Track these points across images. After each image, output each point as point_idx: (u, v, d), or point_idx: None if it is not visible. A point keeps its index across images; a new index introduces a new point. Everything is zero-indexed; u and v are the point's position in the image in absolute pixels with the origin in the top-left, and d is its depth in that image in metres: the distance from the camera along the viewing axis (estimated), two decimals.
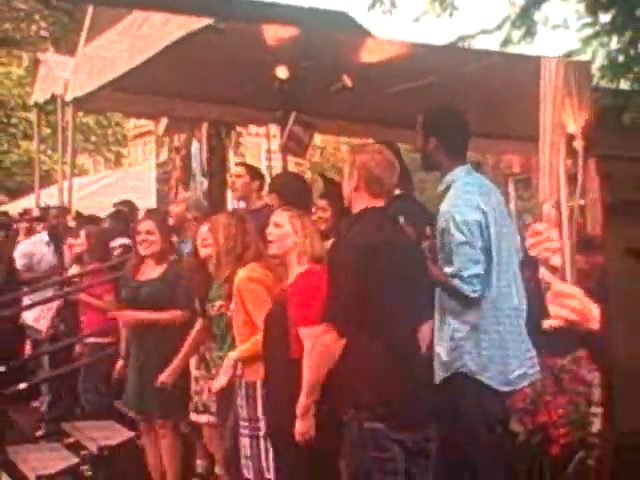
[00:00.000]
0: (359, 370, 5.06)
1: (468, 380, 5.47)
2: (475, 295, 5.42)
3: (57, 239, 11.45)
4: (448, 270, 5.45)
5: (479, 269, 5.42)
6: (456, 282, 5.42)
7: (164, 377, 7.49)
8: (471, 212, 5.49)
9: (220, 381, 6.66)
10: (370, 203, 5.24)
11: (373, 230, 5.22)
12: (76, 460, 8.81)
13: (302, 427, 5.47)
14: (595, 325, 3.14)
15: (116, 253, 10.41)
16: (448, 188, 5.65)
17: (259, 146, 17.19)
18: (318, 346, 5.46)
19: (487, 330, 5.47)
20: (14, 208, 19.32)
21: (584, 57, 8.91)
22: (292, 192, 7.39)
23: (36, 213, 14.53)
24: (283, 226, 6.04)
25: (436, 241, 5.63)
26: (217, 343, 7.03)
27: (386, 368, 5.06)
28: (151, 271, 8.06)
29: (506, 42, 9.28)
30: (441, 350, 5.51)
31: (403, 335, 5.19)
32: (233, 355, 6.51)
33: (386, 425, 4.97)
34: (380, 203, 5.27)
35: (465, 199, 5.55)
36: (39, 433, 10.38)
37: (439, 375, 5.51)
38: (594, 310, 3.16)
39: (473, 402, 5.49)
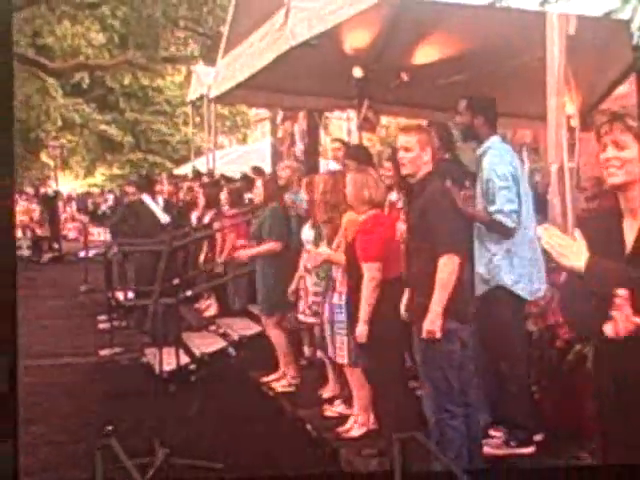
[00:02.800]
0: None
1: (504, 291, 5.52)
2: (513, 225, 5.48)
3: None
4: (492, 208, 5.50)
5: (515, 206, 5.47)
6: (499, 217, 5.48)
7: (290, 291, 7.65)
8: (507, 166, 5.55)
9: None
10: (426, 168, 5.25)
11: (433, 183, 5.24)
12: (225, 344, 9.13)
13: (362, 329, 5.66)
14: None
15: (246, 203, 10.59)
16: (485, 152, 5.69)
17: (341, 127, 17.12)
18: (376, 277, 5.62)
19: (517, 253, 5.51)
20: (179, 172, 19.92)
21: (623, 16, 8.57)
22: (362, 158, 7.48)
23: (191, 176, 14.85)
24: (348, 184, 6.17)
25: (476, 190, 5.66)
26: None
27: (458, 280, 5.06)
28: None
29: (544, 2, 8.54)
30: (482, 270, 5.55)
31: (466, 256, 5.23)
32: (325, 249, 6.65)
33: (454, 321, 5.00)
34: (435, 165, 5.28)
35: (502, 157, 5.61)
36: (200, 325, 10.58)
37: (481, 288, 5.55)
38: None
39: (507, 307, 5.55)
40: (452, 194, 5.21)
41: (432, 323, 4.96)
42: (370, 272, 5.79)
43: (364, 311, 5.78)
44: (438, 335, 4.96)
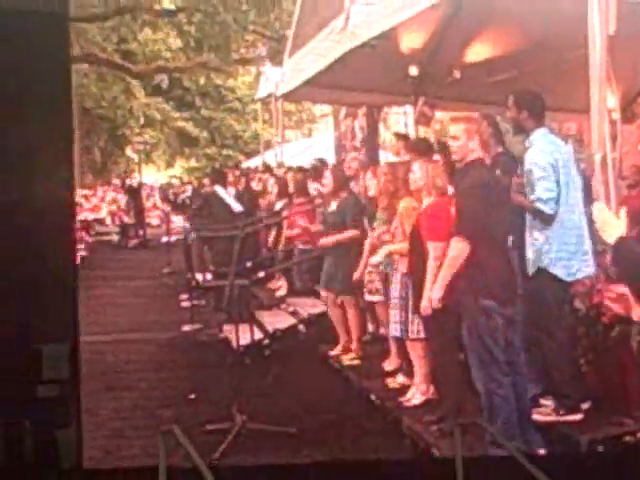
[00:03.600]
0: (477, 264, 5.05)
1: (545, 273, 5.48)
2: (551, 212, 5.38)
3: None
4: (532, 197, 5.42)
5: (553, 194, 5.38)
6: (538, 204, 5.40)
7: (356, 275, 7.66)
8: (547, 157, 5.46)
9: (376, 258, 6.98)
10: (481, 156, 5.23)
11: (483, 173, 5.22)
12: (294, 321, 9.21)
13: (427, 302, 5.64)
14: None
15: (313, 192, 10.62)
16: (529, 145, 5.64)
17: (398, 121, 17.06)
18: (440, 256, 5.60)
19: (558, 238, 5.45)
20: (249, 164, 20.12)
21: None
22: (422, 149, 7.45)
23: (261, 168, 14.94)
24: (416, 172, 6.17)
25: (523, 179, 5.61)
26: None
27: (493, 262, 5.06)
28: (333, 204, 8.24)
29: None
30: (529, 253, 5.52)
31: (504, 241, 5.22)
32: (388, 247, 6.71)
33: (493, 301, 5.00)
34: (486, 155, 5.28)
35: (543, 149, 5.51)
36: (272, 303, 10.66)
37: (530, 270, 5.51)
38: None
39: (548, 288, 5.49)
40: (490, 183, 5.18)
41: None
42: (435, 251, 5.79)
43: (428, 288, 5.76)
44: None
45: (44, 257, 3.48)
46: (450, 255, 5.17)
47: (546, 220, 5.43)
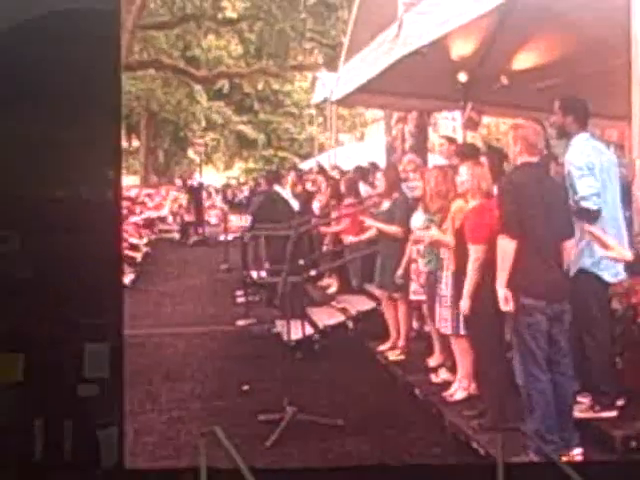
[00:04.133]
0: (520, 263, 5.01)
1: (586, 274, 5.45)
2: (596, 207, 5.35)
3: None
4: (575, 197, 5.39)
5: (595, 190, 5.36)
6: (582, 203, 5.36)
7: (399, 274, 7.69)
8: (584, 158, 5.45)
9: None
10: (528, 159, 5.19)
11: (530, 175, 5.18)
12: (344, 318, 9.20)
13: (467, 303, 5.73)
14: None
15: (364, 194, 10.64)
16: (569, 148, 5.61)
17: (447, 126, 16.96)
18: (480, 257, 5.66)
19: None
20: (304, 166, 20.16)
21: None
22: (469, 153, 7.43)
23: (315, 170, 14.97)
24: (462, 175, 6.18)
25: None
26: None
27: (536, 262, 5.02)
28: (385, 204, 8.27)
29: None
30: (572, 254, 5.48)
31: (549, 241, 5.15)
32: (435, 231, 6.68)
33: (534, 299, 4.97)
34: (535, 159, 5.21)
35: (581, 151, 5.50)
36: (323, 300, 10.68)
37: (572, 270, 5.47)
38: None
39: (589, 288, 5.46)
40: (530, 183, 5.15)
41: (500, 298, 5.07)
42: (476, 253, 5.81)
43: (468, 287, 5.82)
44: (505, 308, 5.07)
45: (90, 257, 3.40)
46: (499, 255, 5.11)
47: (593, 217, 5.36)
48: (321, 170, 14.12)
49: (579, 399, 5.44)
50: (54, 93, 3.46)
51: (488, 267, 5.63)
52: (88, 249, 3.46)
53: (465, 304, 5.85)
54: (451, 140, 9.09)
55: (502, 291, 5.05)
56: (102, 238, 3.45)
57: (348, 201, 10.61)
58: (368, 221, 8.45)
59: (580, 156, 5.48)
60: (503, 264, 5.06)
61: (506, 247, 5.04)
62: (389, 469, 4.81)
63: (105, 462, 3.41)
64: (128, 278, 13.26)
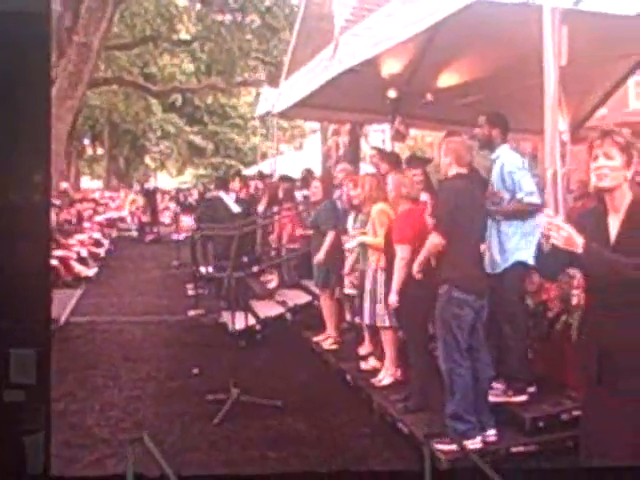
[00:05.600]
0: (450, 260, 4.94)
1: (523, 266, 5.28)
2: (540, 201, 5.25)
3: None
4: (519, 195, 5.32)
5: (536, 188, 5.32)
6: (528, 199, 5.28)
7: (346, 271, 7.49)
8: (520, 162, 5.44)
9: (351, 244, 6.97)
10: (458, 170, 5.11)
11: (461, 185, 5.08)
12: (283, 310, 9.04)
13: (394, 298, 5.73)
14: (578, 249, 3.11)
15: (300, 198, 10.56)
16: (499, 156, 5.53)
17: (377, 137, 16.99)
18: (406, 257, 5.66)
19: (531, 234, 5.29)
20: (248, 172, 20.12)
21: None
22: (394, 161, 7.39)
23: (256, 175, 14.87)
24: (389, 184, 6.11)
25: (495, 191, 5.49)
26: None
27: (468, 261, 4.95)
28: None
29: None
30: (495, 252, 5.37)
31: (475, 242, 5.10)
32: (366, 238, 6.60)
33: (464, 293, 4.88)
34: (464, 170, 5.14)
35: (514, 157, 5.49)
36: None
37: (499, 267, 5.35)
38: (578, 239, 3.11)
39: (523, 280, 5.41)
40: (466, 192, 5.06)
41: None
42: (401, 253, 5.77)
43: (395, 283, 5.77)
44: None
45: (17, 261, 3.06)
46: (427, 243, 5.11)
47: (536, 211, 5.23)
48: (261, 176, 13.96)
49: (494, 385, 5.36)
50: None
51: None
52: (16, 254, 3.06)
53: (393, 298, 5.80)
54: (380, 150, 9.00)
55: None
56: (31, 243, 3.08)
57: (285, 205, 10.49)
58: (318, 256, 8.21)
59: (516, 160, 5.47)
60: (427, 250, 5.15)
61: (435, 242, 5.02)
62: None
63: (31, 469, 3.05)
64: (92, 271, 13.22)
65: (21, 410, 3.02)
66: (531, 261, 5.18)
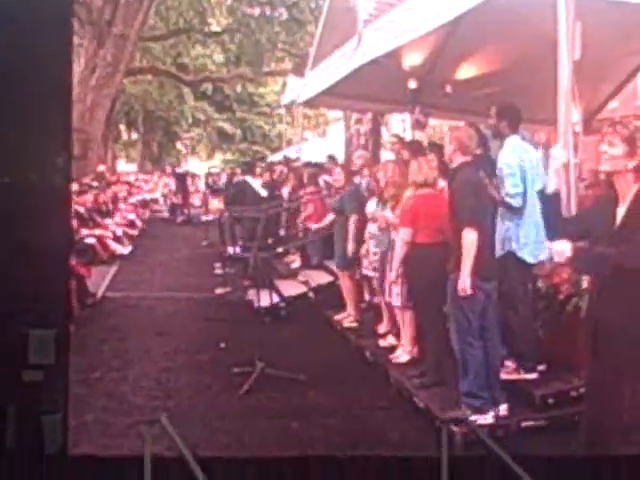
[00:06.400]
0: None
1: (513, 255, 5.33)
2: (517, 205, 5.23)
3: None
4: (502, 192, 5.27)
5: (519, 189, 5.23)
6: (507, 198, 5.24)
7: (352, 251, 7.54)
8: (515, 159, 5.31)
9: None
10: (461, 158, 5.04)
11: (469, 174, 4.99)
12: (306, 289, 9.13)
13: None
14: None
15: (322, 184, 10.54)
16: (502, 148, 5.48)
17: (397, 126, 16.86)
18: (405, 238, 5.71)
19: (524, 227, 5.30)
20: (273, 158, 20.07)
21: None
22: (415, 149, 7.32)
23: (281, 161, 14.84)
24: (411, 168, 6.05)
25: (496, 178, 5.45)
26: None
27: (480, 247, 4.82)
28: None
29: None
30: (499, 239, 5.36)
31: (487, 229, 5.01)
32: (384, 214, 6.57)
33: (476, 277, 4.80)
34: (469, 159, 5.05)
35: (513, 152, 5.36)
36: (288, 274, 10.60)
37: (498, 252, 5.35)
38: None
39: (515, 267, 5.35)
40: (477, 181, 5.01)
41: (462, 282, 4.79)
42: (402, 234, 5.86)
43: (395, 262, 5.93)
44: (469, 291, 4.78)
45: (36, 243, 2.96)
46: (465, 245, 4.83)
47: (514, 212, 5.28)
48: (287, 162, 13.95)
49: (506, 363, 5.37)
50: (4, 78, 2.94)
51: (422, 249, 5.67)
52: (36, 235, 2.96)
53: (393, 275, 5.97)
54: (400, 138, 8.97)
55: (467, 280, 4.79)
56: (50, 225, 2.99)
57: (309, 190, 10.46)
58: (315, 226, 8.21)
59: (511, 156, 5.35)
60: (468, 253, 4.81)
61: (471, 238, 4.81)
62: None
63: (49, 448, 2.95)
64: (127, 249, 13.30)
65: (40, 390, 2.95)
66: (521, 253, 5.24)
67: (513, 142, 5.45)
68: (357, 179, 8.34)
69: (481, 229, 4.87)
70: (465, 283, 4.78)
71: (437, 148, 6.72)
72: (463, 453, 4.50)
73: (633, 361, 3.15)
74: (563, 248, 3.23)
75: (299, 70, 13.69)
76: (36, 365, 2.93)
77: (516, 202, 5.25)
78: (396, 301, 6.33)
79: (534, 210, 5.30)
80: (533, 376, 5.28)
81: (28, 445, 2.95)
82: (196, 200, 22.84)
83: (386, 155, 10.69)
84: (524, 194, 5.27)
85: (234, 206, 11.02)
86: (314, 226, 8.18)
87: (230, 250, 10.73)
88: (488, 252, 4.97)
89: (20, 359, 2.92)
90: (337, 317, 8.03)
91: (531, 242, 5.29)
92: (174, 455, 3.20)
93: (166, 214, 21.81)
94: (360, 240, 7.48)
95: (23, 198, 2.97)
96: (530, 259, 5.33)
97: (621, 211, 3.25)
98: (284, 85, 20.62)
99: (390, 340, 6.82)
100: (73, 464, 3.10)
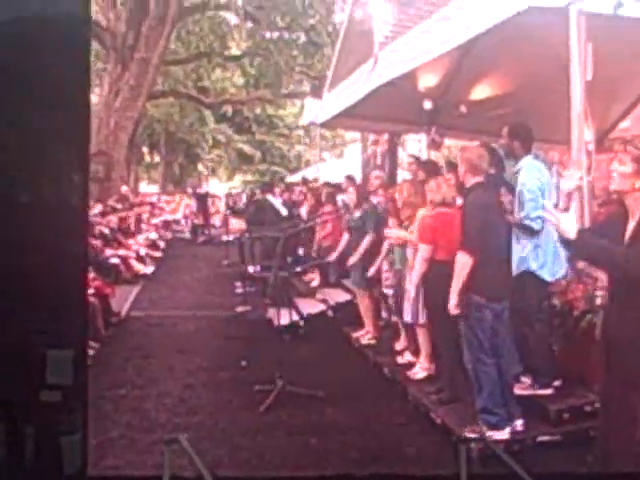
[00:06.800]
0: (473, 269, 4.88)
1: (530, 274, 5.35)
2: (538, 228, 5.24)
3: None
4: (521, 214, 5.28)
5: (540, 213, 5.17)
6: (527, 222, 5.25)
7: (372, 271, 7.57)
8: (535, 181, 5.31)
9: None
10: (472, 179, 5.08)
11: (483, 196, 5.03)
12: (324, 307, 9.16)
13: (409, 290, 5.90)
14: None
15: (340, 203, 10.59)
16: (519, 170, 5.51)
17: (414, 146, 16.87)
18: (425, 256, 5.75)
19: (542, 247, 5.32)
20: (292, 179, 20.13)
21: None
22: (431, 169, 7.36)
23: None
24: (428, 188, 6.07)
25: (511, 198, 5.48)
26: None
27: (488, 268, 4.89)
28: (357, 213, 8.15)
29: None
30: (515, 258, 5.37)
31: (499, 251, 5.05)
32: (399, 232, 6.64)
33: (485, 298, 4.88)
34: (480, 179, 5.08)
35: (530, 174, 5.36)
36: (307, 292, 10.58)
37: (515, 272, 5.36)
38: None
39: (532, 286, 5.37)
40: (487, 202, 5.03)
41: (451, 301, 4.97)
42: (422, 251, 5.87)
43: (414, 278, 5.95)
44: (454, 312, 4.96)
45: (53, 262, 2.92)
46: (457, 267, 4.95)
47: (533, 234, 5.29)
48: (305, 182, 14.03)
49: (522, 379, 5.38)
50: (22, 97, 2.94)
51: (439, 266, 5.62)
52: (51, 256, 2.91)
53: (412, 292, 6.02)
54: (417, 158, 9.02)
55: (454, 298, 4.95)
56: (67, 244, 2.95)
57: (327, 209, 10.53)
58: (352, 259, 8.14)
59: (530, 179, 5.34)
60: (458, 276, 4.93)
61: (463, 262, 4.90)
62: None
63: (68, 469, 2.92)
64: (149, 269, 13.39)
65: (58, 411, 2.91)
66: (540, 272, 5.25)
67: (529, 163, 5.46)
68: (374, 199, 8.38)
69: (486, 250, 4.89)
70: (453, 304, 4.94)
71: (455, 167, 6.77)
72: (480, 470, 4.49)
73: None
74: (568, 227, 3.24)
75: (317, 92, 13.84)
76: (54, 385, 2.91)
77: (537, 225, 5.25)
78: (412, 318, 6.36)
79: (549, 228, 5.33)
80: (548, 392, 5.29)
81: (47, 466, 2.93)
82: (217, 221, 22.97)
83: (403, 175, 10.75)
84: (542, 217, 5.31)
85: (255, 223, 11.09)
86: (352, 259, 8.13)
87: (250, 269, 10.81)
88: (496, 272, 4.97)
89: (38, 379, 2.91)
90: (355, 335, 8.06)
91: (549, 261, 5.32)
92: (193, 475, 3.23)
93: (187, 234, 21.93)
94: (377, 259, 7.52)
95: (40, 216, 2.96)
96: (549, 278, 5.36)
97: (630, 227, 3.30)
98: (302, 107, 20.77)
99: (407, 357, 6.86)
100: None
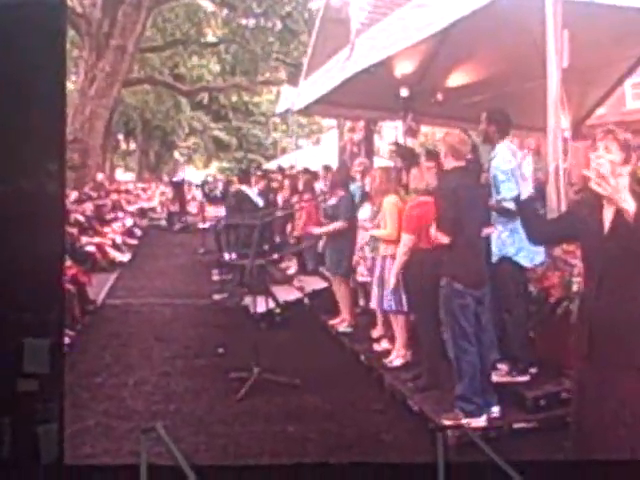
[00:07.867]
0: (452, 255, 4.89)
1: (508, 260, 5.33)
2: (514, 208, 5.22)
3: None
4: (498, 197, 5.26)
5: (516, 192, 5.13)
6: (504, 203, 5.20)
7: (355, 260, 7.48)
8: (508, 164, 5.30)
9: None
10: (454, 163, 5.06)
11: (459, 179, 5.01)
12: (301, 295, 9.12)
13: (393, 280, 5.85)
14: None
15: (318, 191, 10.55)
16: (494, 156, 5.47)
17: (390, 133, 16.86)
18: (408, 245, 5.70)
19: (519, 232, 5.27)
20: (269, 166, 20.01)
21: None
22: (407, 155, 7.33)
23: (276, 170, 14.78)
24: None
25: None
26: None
27: (466, 254, 4.89)
28: (332, 200, 8.08)
29: None
30: (494, 244, 5.36)
31: (476, 236, 5.04)
32: (376, 232, 6.58)
33: (464, 285, 4.87)
34: (461, 164, 5.07)
35: (504, 158, 5.34)
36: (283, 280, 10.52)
37: (494, 258, 5.34)
38: None
39: (510, 272, 5.36)
40: (467, 185, 5.00)
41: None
42: (404, 241, 5.83)
43: (395, 268, 5.91)
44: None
45: (29, 251, 2.87)
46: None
47: (509, 216, 5.24)
48: (281, 170, 13.93)
49: (499, 366, 5.36)
50: None
51: (420, 255, 5.61)
52: (30, 244, 2.86)
53: (392, 281, 5.96)
54: (398, 146, 8.97)
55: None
56: (44, 233, 2.91)
57: (305, 197, 10.46)
58: (316, 230, 8.21)
59: (504, 162, 5.33)
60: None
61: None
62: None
63: (44, 458, 2.88)
64: (126, 257, 13.28)
65: (35, 400, 2.87)
66: (517, 257, 5.23)
67: (504, 148, 5.43)
68: (352, 186, 8.33)
69: (466, 237, 4.87)
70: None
71: (435, 156, 6.73)
72: (457, 457, 4.40)
73: (623, 363, 3.15)
74: None
75: (293, 79, 13.74)
76: (30, 374, 2.87)
77: (512, 205, 5.23)
78: (396, 306, 6.33)
79: None
80: (525, 378, 5.29)
81: (23, 455, 2.88)
82: (193, 208, 22.80)
83: (379, 162, 10.71)
84: (518, 197, 5.28)
85: (234, 214, 10.99)
86: (316, 230, 8.12)
87: (227, 257, 10.72)
88: (475, 259, 4.96)
89: (15, 368, 2.86)
90: (332, 322, 8.01)
91: (526, 246, 5.28)
92: (170, 463, 3.14)
93: (164, 222, 21.76)
94: (349, 246, 7.48)
95: (17, 206, 2.91)
96: (526, 263, 5.34)
97: (608, 214, 3.24)
98: (278, 94, 20.60)
99: (384, 344, 6.81)
100: (69, 473, 3.04)
